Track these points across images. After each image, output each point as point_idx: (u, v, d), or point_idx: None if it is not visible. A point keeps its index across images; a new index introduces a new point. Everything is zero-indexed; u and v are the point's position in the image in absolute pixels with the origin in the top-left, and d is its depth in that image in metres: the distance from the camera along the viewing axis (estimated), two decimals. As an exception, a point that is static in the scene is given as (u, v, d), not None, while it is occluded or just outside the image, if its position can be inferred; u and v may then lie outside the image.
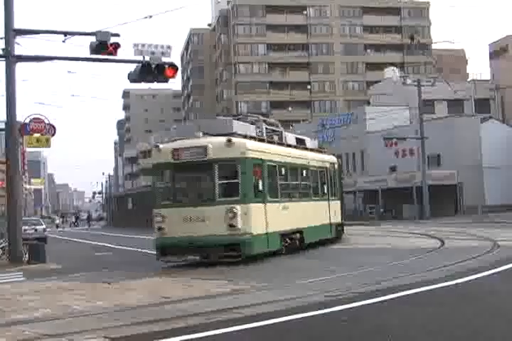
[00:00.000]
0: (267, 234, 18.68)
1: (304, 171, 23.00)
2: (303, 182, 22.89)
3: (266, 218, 18.71)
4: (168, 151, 18.37)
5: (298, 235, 21.46)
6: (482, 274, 13.05)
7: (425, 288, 11.34)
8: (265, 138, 20.83)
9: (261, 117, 22.40)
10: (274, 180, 20.05)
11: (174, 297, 11.83)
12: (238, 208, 17.51)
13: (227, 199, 17.75)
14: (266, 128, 21.48)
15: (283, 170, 20.89)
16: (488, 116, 58.41)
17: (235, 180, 17.94)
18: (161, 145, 18.78)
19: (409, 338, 7.84)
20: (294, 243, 21.19)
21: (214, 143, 17.92)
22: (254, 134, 20.09)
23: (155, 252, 18.68)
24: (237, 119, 20.79)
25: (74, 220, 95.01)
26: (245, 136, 19.11)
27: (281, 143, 21.98)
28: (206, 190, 18.41)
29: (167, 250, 18.17)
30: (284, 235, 20.20)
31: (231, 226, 17.40)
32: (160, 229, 18.10)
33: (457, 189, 51.40)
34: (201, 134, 18.61)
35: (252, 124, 20.89)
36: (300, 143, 24.20)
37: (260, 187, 18.65)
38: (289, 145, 22.65)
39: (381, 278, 12.94)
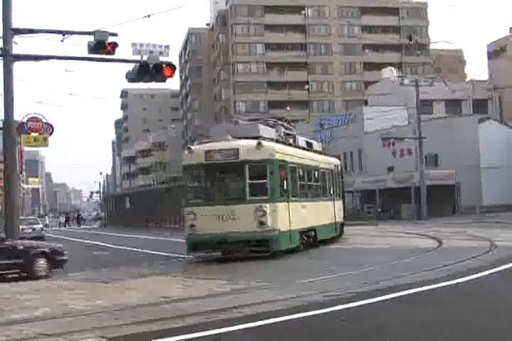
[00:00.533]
0: (290, 231, 19.93)
1: (316, 172, 24.35)
2: (315, 183, 24.14)
3: (289, 216, 19.97)
4: (201, 153, 19.60)
5: (312, 233, 22.71)
6: (482, 274, 13.05)
7: (425, 288, 11.33)
8: (285, 141, 21.90)
9: (279, 121, 23.39)
10: (294, 181, 21.32)
11: (174, 296, 11.82)
12: (267, 206, 18.88)
13: (257, 198, 19.08)
14: (283, 132, 22.56)
15: (301, 171, 22.31)
16: (486, 116, 58.33)
17: (264, 180, 19.31)
18: (193, 147, 20.16)
19: (409, 338, 7.83)
20: (309, 240, 22.36)
21: (245, 146, 19.37)
22: (274, 137, 21.19)
23: (153, 252, 18.92)
24: (260, 123, 21.79)
25: (64, 220, 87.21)
26: (271, 139, 20.55)
27: (296, 146, 23.06)
28: (237, 189, 19.65)
29: (198, 246, 19.41)
30: (302, 232, 21.41)
31: (261, 223, 18.74)
32: (192, 226, 19.28)
33: (455, 189, 51.39)
34: (230, 137, 19.91)
35: (271, 128, 21.84)
36: (309, 146, 25.25)
37: (285, 187, 20.04)
38: (304, 148, 23.90)
39: (381, 277, 12.94)
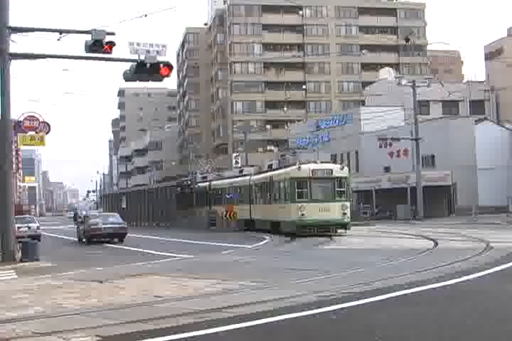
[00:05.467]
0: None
1: None
2: None
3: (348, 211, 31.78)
4: (308, 170, 31.50)
5: None
6: (474, 275, 13.07)
7: (416, 289, 11.35)
8: None
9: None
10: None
11: (166, 296, 11.83)
12: (347, 204, 31.56)
13: (340, 199, 31.41)
14: None
15: None
16: (483, 117, 58.43)
17: (343, 188, 31.69)
18: (301, 166, 31.67)
19: (399, 337, 7.87)
20: None
21: (335, 167, 32.18)
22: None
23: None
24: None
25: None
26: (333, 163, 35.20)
27: None
28: (330, 194, 31.49)
29: (305, 227, 30.47)
30: None
31: (344, 214, 31.00)
32: (302, 214, 30.55)
33: (451, 190, 51.47)
34: (319, 161, 33.15)
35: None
36: None
37: (349, 193, 33.63)
38: None
39: (373, 278, 12.95)
